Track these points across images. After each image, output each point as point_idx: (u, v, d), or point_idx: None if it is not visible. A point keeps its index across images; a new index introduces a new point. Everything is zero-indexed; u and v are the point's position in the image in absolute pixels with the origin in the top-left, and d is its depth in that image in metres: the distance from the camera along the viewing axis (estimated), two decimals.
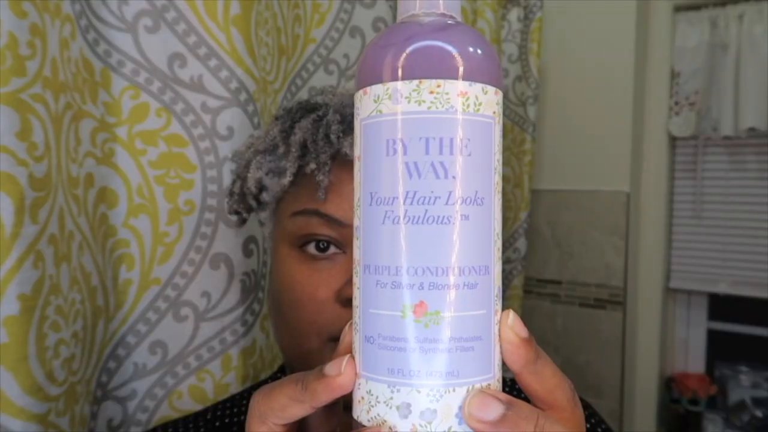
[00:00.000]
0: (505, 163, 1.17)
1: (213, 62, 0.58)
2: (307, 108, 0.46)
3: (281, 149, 0.45)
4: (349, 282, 0.41)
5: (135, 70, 0.55)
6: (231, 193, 0.50)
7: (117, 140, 0.55)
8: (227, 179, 0.59)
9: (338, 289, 0.41)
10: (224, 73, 0.59)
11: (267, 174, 0.46)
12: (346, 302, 0.41)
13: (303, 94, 0.71)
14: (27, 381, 0.44)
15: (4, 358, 0.44)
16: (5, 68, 0.43)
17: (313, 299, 0.42)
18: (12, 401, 0.44)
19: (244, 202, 0.49)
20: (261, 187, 0.47)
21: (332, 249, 0.43)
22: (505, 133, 1.18)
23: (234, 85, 0.59)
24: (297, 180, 0.45)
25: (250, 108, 0.61)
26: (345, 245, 0.42)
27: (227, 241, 0.60)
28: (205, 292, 0.60)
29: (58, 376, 0.47)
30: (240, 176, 0.49)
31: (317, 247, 0.43)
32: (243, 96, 0.60)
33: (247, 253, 0.62)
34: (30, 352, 0.45)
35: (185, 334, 0.59)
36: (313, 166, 0.43)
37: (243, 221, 0.52)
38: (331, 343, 0.41)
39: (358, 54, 0.75)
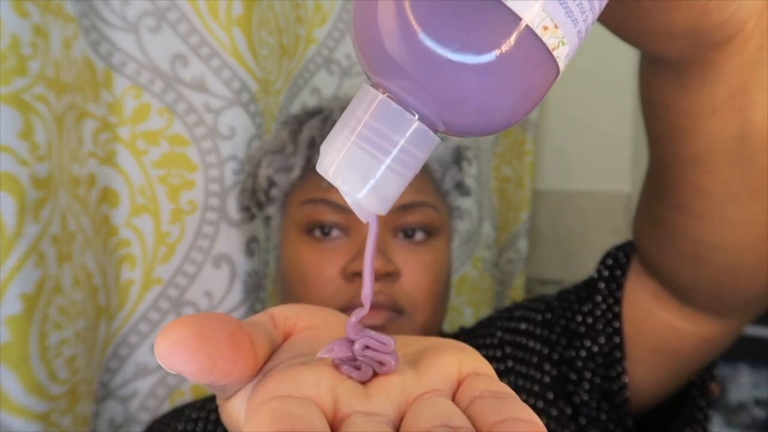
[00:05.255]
0: (507, 163, 1.17)
1: (215, 62, 0.58)
2: (314, 112, 0.51)
3: (289, 148, 0.50)
4: (352, 260, 0.46)
5: (137, 71, 0.55)
6: (243, 189, 0.56)
7: (119, 140, 0.56)
8: (229, 179, 0.60)
9: (343, 266, 0.46)
10: (226, 74, 0.59)
11: (276, 171, 0.51)
12: (350, 277, 0.46)
13: (304, 94, 0.71)
14: (29, 380, 0.45)
15: (6, 358, 0.44)
16: (7, 68, 0.43)
17: (319, 276, 0.46)
18: (14, 400, 0.44)
19: (254, 197, 0.54)
20: (271, 183, 0.52)
21: (336, 233, 0.47)
22: (507, 133, 1.19)
23: (236, 85, 0.59)
24: (304, 174, 0.50)
25: (252, 108, 0.61)
26: (348, 229, 0.47)
27: (229, 240, 0.60)
28: (207, 291, 0.60)
29: (59, 375, 0.47)
30: (251, 174, 0.54)
31: (322, 232, 0.47)
32: (245, 96, 0.60)
33: (249, 252, 0.62)
34: (32, 351, 0.45)
35: None
36: None
37: (251, 217, 0.58)
38: None
39: None
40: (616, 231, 1.44)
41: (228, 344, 0.18)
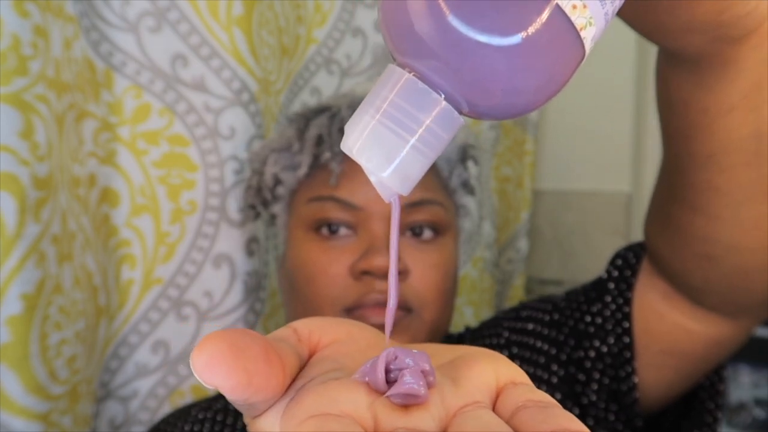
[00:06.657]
0: (507, 163, 1.17)
1: (215, 62, 0.58)
2: (320, 109, 0.51)
3: (296, 146, 0.49)
4: (361, 258, 0.45)
5: (137, 71, 0.55)
6: (248, 187, 0.55)
7: (119, 140, 0.56)
8: (229, 179, 0.60)
9: (351, 264, 0.46)
10: (226, 74, 0.59)
11: (283, 169, 0.50)
12: (359, 276, 0.45)
13: (304, 94, 0.72)
14: (29, 380, 0.45)
15: (7, 358, 0.44)
16: (8, 68, 0.43)
17: (326, 273, 0.46)
18: (14, 400, 0.44)
19: (260, 195, 0.54)
20: (277, 181, 0.51)
21: (343, 231, 0.47)
22: (507, 133, 1.19)
23: (236, 85, 0.59)
24: (311, 171, 0.49)
25: (252, 108, 0.61)
26: (356, 227, 0.47)
27: (229, 240, 0.60)
28: (207, 291, 0.60)
29: (60, 375, 0.48)
30: (257, 172, 0.53)
31: (330, 230, 0.47)
32: (245, 96, 0.60)
33: (249, 252, 0.62)
34: (32, 351, 0.45)
35: (187, 333, 0.59)
36: (328, 155, 0.47)
37: (256, 215, 0.58)
38: (344, 314, 0.45)
39: (359, 54, 0.75)
40: (616, 231, 1.44)
41: (262, 359, 0.18)
